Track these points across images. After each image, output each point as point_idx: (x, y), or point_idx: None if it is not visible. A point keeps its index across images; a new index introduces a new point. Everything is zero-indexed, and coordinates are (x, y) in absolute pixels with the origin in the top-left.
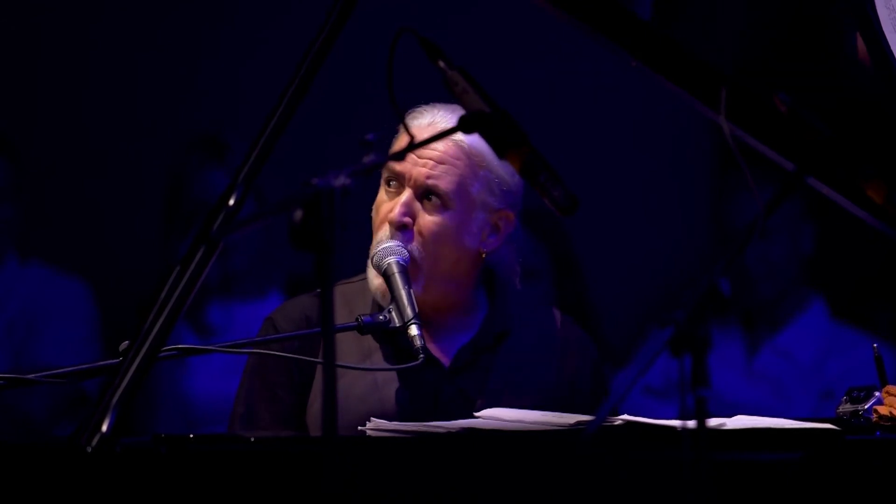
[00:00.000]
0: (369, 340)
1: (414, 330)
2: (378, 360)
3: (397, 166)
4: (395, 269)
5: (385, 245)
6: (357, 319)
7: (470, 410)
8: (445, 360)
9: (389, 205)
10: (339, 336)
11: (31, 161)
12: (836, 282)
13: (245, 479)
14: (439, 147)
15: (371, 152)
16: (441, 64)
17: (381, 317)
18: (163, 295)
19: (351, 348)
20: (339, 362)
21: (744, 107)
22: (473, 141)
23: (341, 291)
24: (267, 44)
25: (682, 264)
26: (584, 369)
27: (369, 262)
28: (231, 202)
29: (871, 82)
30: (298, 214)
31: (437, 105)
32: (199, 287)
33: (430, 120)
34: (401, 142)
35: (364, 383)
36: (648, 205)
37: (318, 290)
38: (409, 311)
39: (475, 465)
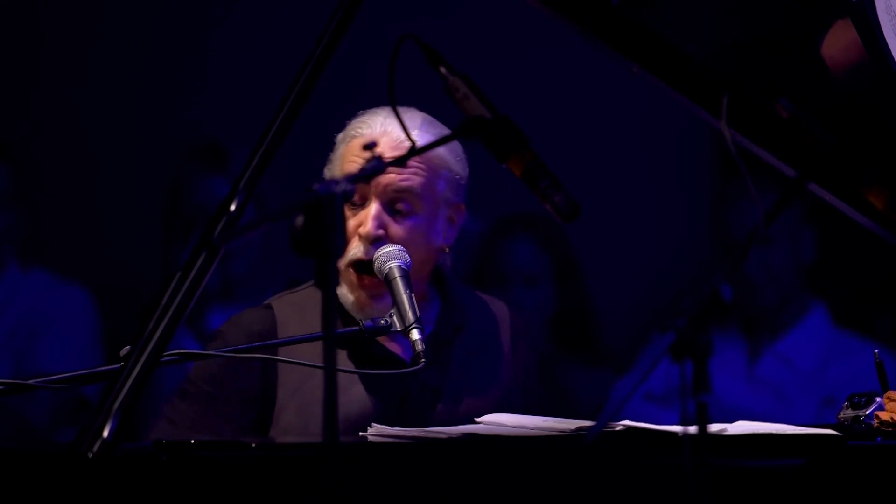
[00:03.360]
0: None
1: (416, 334)
2: (343, 361)
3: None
4: (396, 273)
5: (387, 250)
6: (359, 324)
7: (434, 405)
8: (407, 357)
9: (355, 220)
10: (300, 345)
11: (32, 168)
12: (836, 288)
13: (246, 485)
14: (397, 152)
15: (372, 158)
16: (442, 70)
17: (382, 321)
18: (164, 301)
19: (313, 356)
20: (297, 367)
21: (745, 113)
22: (427, 142)
23: (289, 301)
24: (267, 50)
25: (684, 270)
26: (531, 353)
27: (342, 281)
28: (232, 208)
29: (847, 75)
30: (300, 220)
31: (376, 110)
32: (201, 293)
33: (381, 128)
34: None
35: (307, 408)
36: (649, 211)
37: (265, 303)
38: (410, 316)
39: (477, 470)
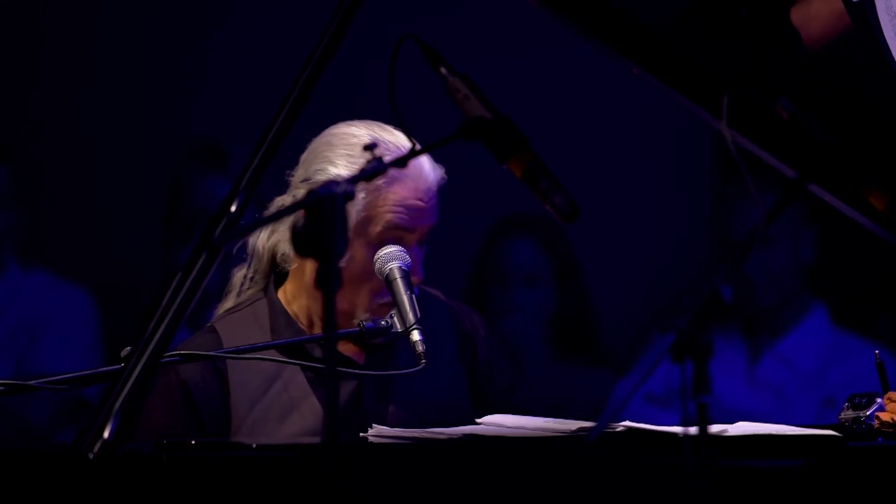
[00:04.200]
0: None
1: (416, 335)
2: (293, 374)
3: (409, 224)
4: (397, 274)
5: (388, 251)
6: (359, 325)
7: (387, 408)
8: (357, 359)
9: (415, 265)
10: (249, 366)
11: (32, 168)
12: (837, 288)
13: (246, 486)
14: (430, 196)
15: (373, 158)
16: (443, 70)
17: (382, 322)
18: (164, 301)
19: (260, 368)
20: (247, 388)
21: (745, 114)
22: (437, 173)
23: (232, 321)
24: (267, 51)
25: (684, 271)
26: (476, 332)
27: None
28: (232, 209)
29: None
30: (300, 221)
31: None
32: (201, 293)
33: (426, 186)
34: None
35: (280, 403)
36: (649, 211)
37: (209, 326)
38: (410, 317)
39: (477, 471)
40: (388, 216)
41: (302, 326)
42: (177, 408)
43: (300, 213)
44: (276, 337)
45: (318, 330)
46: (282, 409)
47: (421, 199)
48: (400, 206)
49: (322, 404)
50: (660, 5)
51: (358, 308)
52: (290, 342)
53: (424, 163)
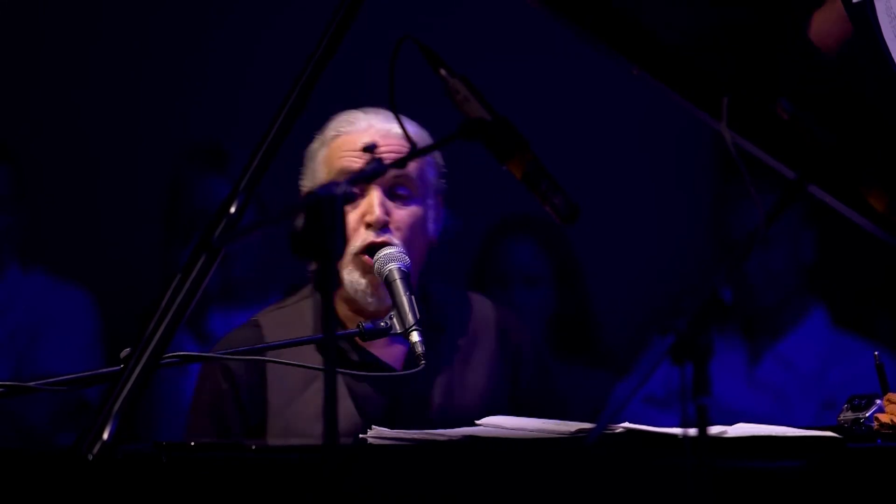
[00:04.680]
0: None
1: (416, 336)
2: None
3: (356, 164)
4: (396, 275)
5: (386, 252)
6: (358, 326)
7: (426, 412)
8: (396, 365)
9: (357, 212)
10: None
11: (32, 168)
12: (837, 289)
13: (246, 487)
14: (391, 144)
15: (372, 159)
16: (442, 72)
17: (382, 323)
18: (164, 302)
19: (297, 371)
20: (285, 385)
21: (745, 115)
22: (413, 130)
23: (277, 317)
24: (267, 51)
25: (684, 272)
26: (525, 345)
27: (351, 268)
28: (232, 210)
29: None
30: (300, 222)
31: (364, 109)
32: (201, 295)
33: (366, 124)
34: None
35: (316, 404)
36: (649, 212)
37: (253, 320)
38: (410, 318)
39: (477, 472)
40: (341, 163)
41: (365, 303)
42: (223, 395)
43: (300, 215)
44: None
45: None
46: (317, 410)
47: (376, 142)
48: (350, 150)
49: (357, 408)
50: (681, 22)
51: (344, 259)
52: (289, 343)
53: (364, 112)
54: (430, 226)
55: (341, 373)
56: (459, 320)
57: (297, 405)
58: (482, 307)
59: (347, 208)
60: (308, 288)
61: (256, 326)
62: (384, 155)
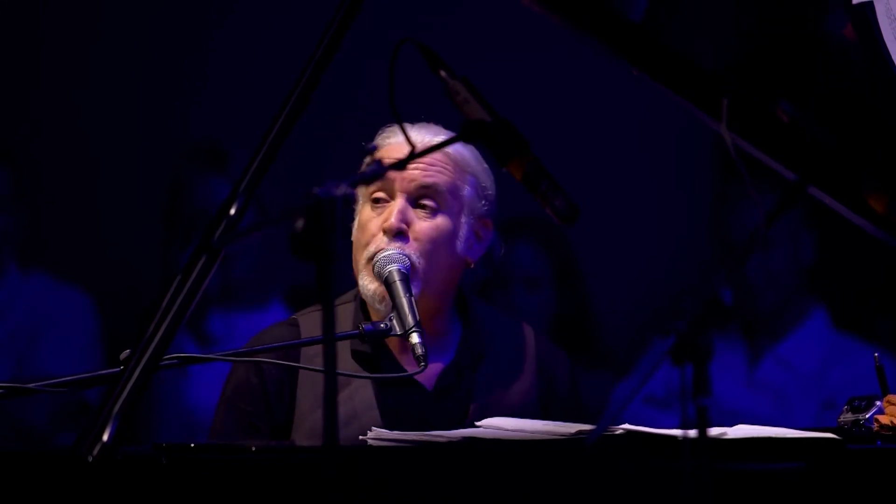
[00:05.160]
0: (347, 367)
1: (416, 338)
2: (363, 385)
3: (389, 176)
4: (396, 276)
5: (386, 253)
6: (358, 328)
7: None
8: (427, 384)
9: (380, 218)
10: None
11: (32, 169)
12: (837, 291)
13: (246, 489)
14: (426, 156)
15: (372, 161)
16: (443, 73)
17: (382, 325)
18: (164, 304)
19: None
20: (315, 388)
21: (745, 116)
22: (457, 148)
23: (315, 317)
24: (267, 51)
25: (684, 273)
26: (560, 379)
27: (364, 274)
28: (232, 211)
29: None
30: (300, 223)
31: (413, 124)
32: (201, 296)
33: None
34: (389, 154)
35: (344, 410)
36: (650, 214)
37: (292, 319)
38: (410, 319)
39: (477, 474)
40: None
41: (376, 307)
42: (251, 389)
43: (300, 216)
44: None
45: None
46: (344, 416)
47: (378, 144)
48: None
49: (383, 419)
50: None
51: (359, 264)
52: (289, 345)
53: (408, 126)
54: (460, 244)
55: (341, 374)
56: (500, 346)
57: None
58: (525, 335)
59: (373, 214)
60: (351, 292)
61: (294, 325)
62: (420, 169)
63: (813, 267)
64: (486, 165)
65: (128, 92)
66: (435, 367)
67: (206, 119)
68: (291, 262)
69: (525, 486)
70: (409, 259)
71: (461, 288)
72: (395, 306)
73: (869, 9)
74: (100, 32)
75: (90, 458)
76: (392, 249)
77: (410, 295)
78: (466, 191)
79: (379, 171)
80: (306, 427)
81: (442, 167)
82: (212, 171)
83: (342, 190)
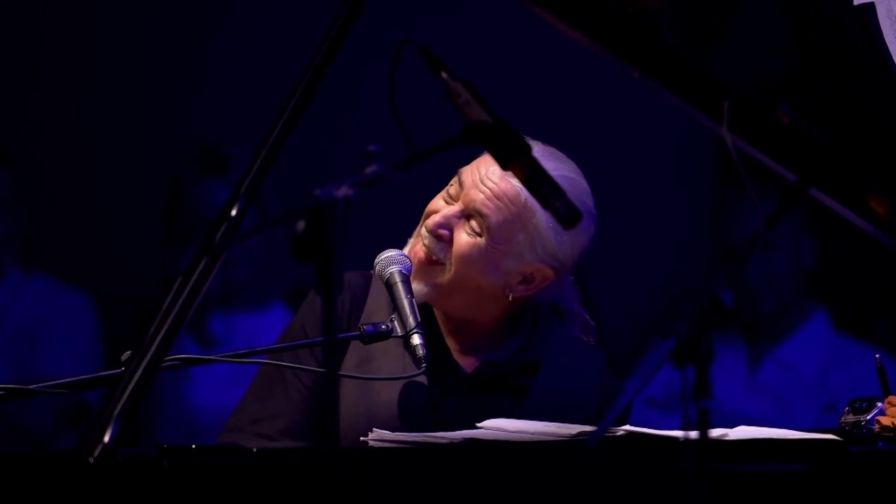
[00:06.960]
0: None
1: (416, 339)
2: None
3: (466, 177)
4: (397, 278)
5: (387, 255)
6: (359, 329)
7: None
8: (467, 369)
9: (438, 214)
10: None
11: (32, 170)
12: (837, 293)
13: (247, 491)
14: (500, 183)
15: (373, 163)
16: (443, 75)
17: (383, 326)
18: (165, 306)
19: (396, 361)
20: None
21: (746, 119)
22: (532, 199)
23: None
24: (267, 52)
25: (684, 276)
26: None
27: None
28: (233, 213)
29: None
30: (300, 225)
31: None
32: (201, 298)
33: (477, 162)
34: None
35: (372, 374)
36: (650, 215)
37: (369, 273)
38: (411, 321)
39: (478, 475)
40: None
41: (440, 324)
42: (305, 334)
43: (300, 218)
44: None
45: (452, 328)
46: (367, 383)
47: (469, 177)
48: (449, 186)
49: (436, 417)
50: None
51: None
52: (288, 346)
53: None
54: (498, 275)
55: (341, 375)
56: (566, 365)
57: (361, 368)
58: (592, 364)
59: (438, 200)
60: None
61: (368, 279)
62: (485, 195)
63: (813, 269)
64: (555, 224)
65: (128, 92)
66: (475, 361)
67: (207, 120)
68: (292, 264)
69: (526, 487)
70: (435, 255)
71: (535, 304)
72: (397, 308)
73: (870, 10)
74: (100, 32)
75: (91, 460)
76: (393, 251)
77: (411, 296)
78: (519, 237)
79: (380, 174)
80: (350, 400)
81: (504, 205)
82: (212, 173)
83: (343, 192)
